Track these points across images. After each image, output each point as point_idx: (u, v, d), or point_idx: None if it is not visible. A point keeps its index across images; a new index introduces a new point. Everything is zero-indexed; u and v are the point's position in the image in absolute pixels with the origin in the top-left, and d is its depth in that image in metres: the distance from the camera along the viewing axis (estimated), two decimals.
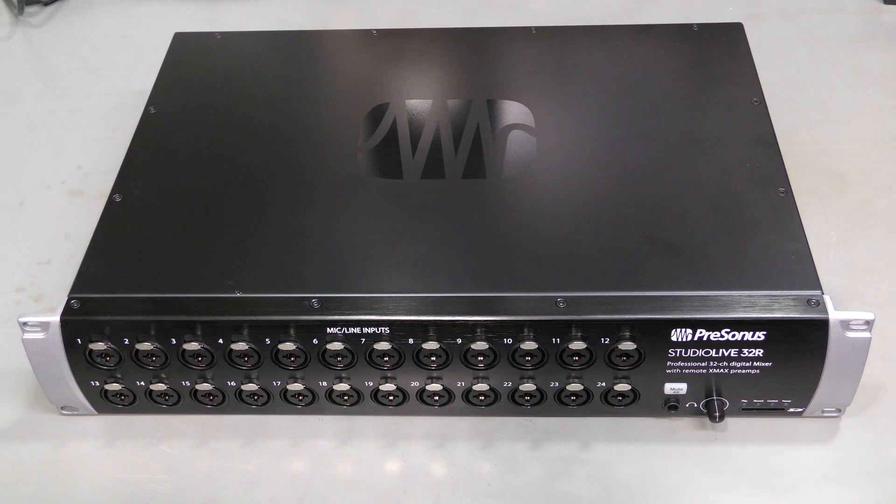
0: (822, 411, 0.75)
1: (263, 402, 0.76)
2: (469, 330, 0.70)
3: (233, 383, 0.75)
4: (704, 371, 0.72)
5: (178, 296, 0.72)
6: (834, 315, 0.68)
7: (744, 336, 0.69)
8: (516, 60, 0.94)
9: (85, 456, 0.76)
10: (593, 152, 0.83)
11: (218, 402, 0.76)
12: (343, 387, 0.74)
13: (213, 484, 0.74)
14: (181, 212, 0.79)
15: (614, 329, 0.70)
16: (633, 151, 0.83)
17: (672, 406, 0.74)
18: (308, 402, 0.76)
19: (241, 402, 0.76)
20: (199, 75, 0.94)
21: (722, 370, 0.71)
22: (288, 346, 0.71)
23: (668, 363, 0.71)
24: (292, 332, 0.71)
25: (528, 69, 0.93)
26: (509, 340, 0.70)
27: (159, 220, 0.79)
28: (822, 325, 0.69)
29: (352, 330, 0.71)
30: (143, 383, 0.75)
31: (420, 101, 0.89)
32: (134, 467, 0.75)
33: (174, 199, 0.81)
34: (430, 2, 1.21)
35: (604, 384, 0.73)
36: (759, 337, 0.69)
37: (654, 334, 0.70)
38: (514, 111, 0.87)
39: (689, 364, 0.71)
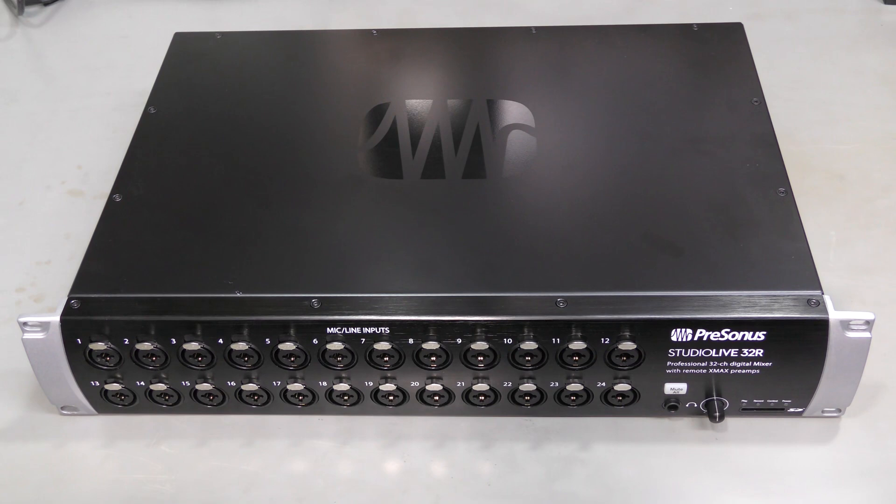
0: (822, 411, 0.74)
1: (263, 402, 0.76)
2: (469, 330, 0.70)
3: (233, 383, 0.75)
4: (704, 371, 0.72)
5: (178, 296, 0.72)
6: (834, 315, 0.68)
7: (744, 336, 0.69)
8: (516, 60, 0.94)
9: (85, 456, 0.76)
10: (593, 152, 0.83)
11: (218, 402, 0.76)
12: (343, 387, 0.74)
13: (213, 484, 0.74)
14: (181, 212, 0.79)
15: (614, 329, 0.69)
16: (633, 151, 0.83)
17: (672, 406, 0.74)
18: (308, 402, 0.76)
19: (241, 402, 0.76)
20: (199, 75, 0.94)
21: (722, 370, 0.71)
22: (288, 346, 0.71)
23: (668, 363, 0.71)
24: (292, 332, 0.71)
25: (528, 69, 0.93)
26: (509, 340, 0.70)
27: (159, 220, 0.79)
28: (822, 325, 0.69)
29: (352, 330, 0.71)
30: (143, 383, 0.75)
31: (420, 101, 0.89)
32: (134, 467, 0.75)
33: (174, 199, 0.81)
34: (430, 2, 1.21)
35: (604, 384, 0.73)
36: (759, 337, 0.69)
37: (654, 334, 0.70)
38: (514, 111, 0.87)
39: (689, 364, 0.71)
